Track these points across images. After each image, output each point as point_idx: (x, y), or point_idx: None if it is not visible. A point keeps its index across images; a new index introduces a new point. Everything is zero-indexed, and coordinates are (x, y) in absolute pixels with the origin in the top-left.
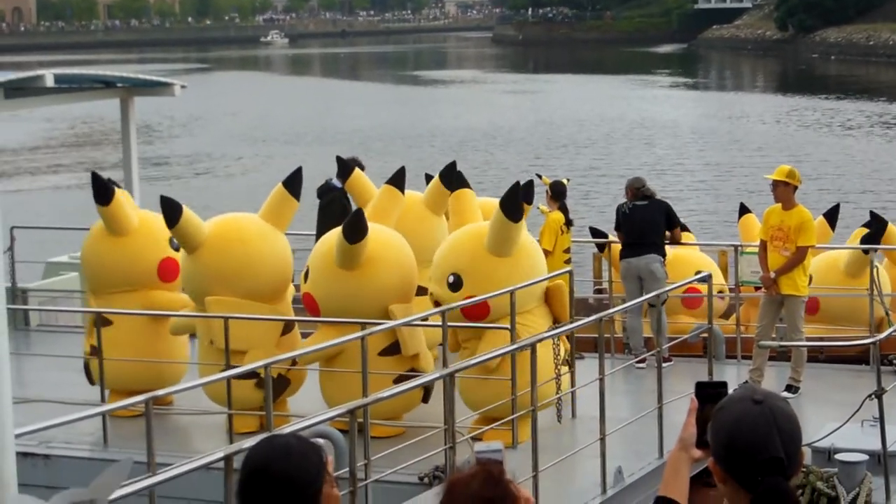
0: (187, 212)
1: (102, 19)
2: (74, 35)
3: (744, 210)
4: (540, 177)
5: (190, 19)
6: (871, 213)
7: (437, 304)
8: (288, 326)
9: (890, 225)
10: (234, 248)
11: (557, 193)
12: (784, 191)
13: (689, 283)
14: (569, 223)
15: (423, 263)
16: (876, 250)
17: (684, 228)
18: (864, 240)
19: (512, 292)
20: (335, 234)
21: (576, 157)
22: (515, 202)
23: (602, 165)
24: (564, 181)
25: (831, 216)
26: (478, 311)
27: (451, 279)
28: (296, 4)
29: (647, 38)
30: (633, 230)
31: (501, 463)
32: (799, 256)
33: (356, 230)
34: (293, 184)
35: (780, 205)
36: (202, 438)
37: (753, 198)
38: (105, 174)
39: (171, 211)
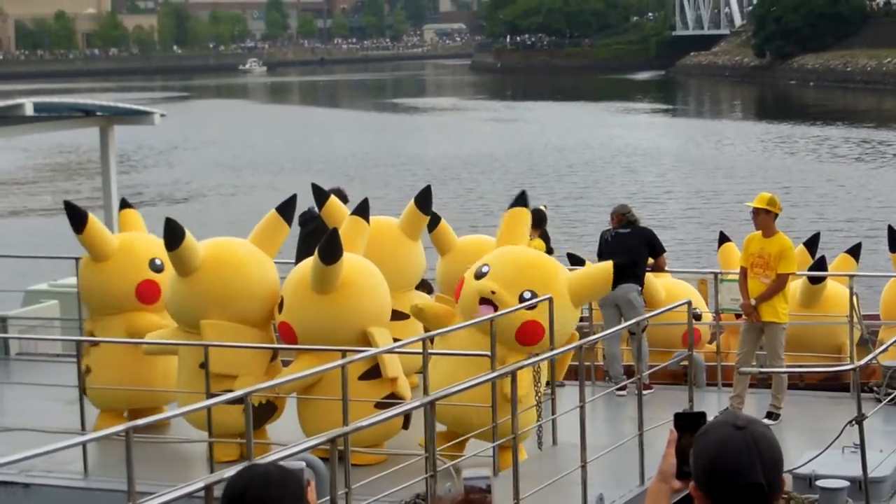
0: (189, 236)
1: (81, 48)
2: (53, 64)
3: (723, 239)
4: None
5: (177, 48)
6: (890, 227)
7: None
8: (275, 352)
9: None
10: (229, 271)
11: (538, 220)
12: (765, 218)
13: (669, 310)
14: (549, 251)
15: (401, 288)
16: (852, 276)
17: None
18: (814, 267)
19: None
20: (309, 261)
21: (557, 185)
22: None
23: (584, 193)
24: (543, 208)
25: (811, 244)
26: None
27: (528, 295)
28: (274, 32)
29: (625, 65)
30: (613, 258)
31: (488, 490)
32: (779, 284)
33: (332, 251)
34: (286, 210)
35: (760, 232)
36: (184, 466)
37: (733, 225)
38: (84, 203)
39: (174, 234)
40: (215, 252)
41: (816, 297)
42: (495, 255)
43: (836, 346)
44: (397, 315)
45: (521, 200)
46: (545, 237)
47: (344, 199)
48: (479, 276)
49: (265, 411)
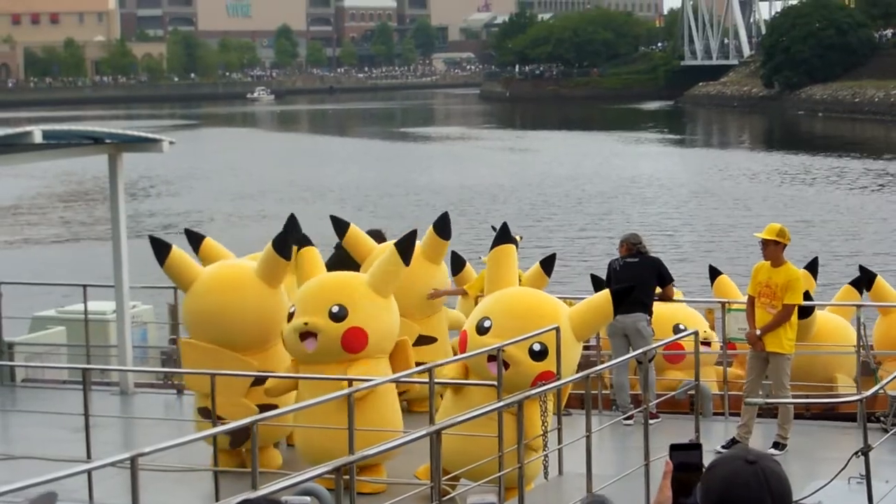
0: (175, 252)
1: (90, 75)
2: (62, 91)
3: (715, 273)
4: (494, 229)
5: (190, 76)
6: (861, 266)
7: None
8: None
9: (879, 277)
10: (211, 295)
11: None
12: (774, 249)
13: (675, 339)
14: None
15: (426, 312)
16: (860, 307)
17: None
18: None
19: (500, 349)
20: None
21: (570, 215)
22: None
23: (597, 223)
24: (518, 238)
25: (812, 269)
26: None
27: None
28: (284, 61)
29: (634, 94)
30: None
31: None
32: (785, 314)
33: (411, 251)
34: (282, 244)
35: (769, 262)
36: (188, 496)
37: (742, 254)
38: (92, 230)
39: (159, 250)
40: (209, 274)
41: (807, 330)
42: (494, 305)
43: (830, 376)
44: (424, 339)
45: (504, 236)
46: None
47: (383, 239)
48: (482, 330)
49: (243, 434)
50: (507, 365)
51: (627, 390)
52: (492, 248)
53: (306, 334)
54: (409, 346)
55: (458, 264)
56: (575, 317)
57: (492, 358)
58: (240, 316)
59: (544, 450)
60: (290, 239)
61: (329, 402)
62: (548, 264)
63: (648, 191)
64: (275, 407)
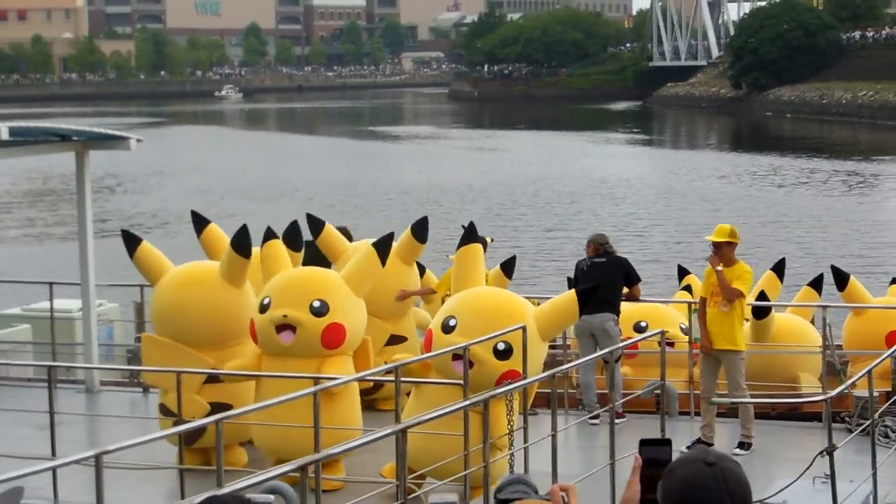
0: (144, 246)
1: (58, 73)
2: (29, 88)
3: (683, 272)
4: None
5: (158, 73)
6: (833, 267)
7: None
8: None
9: (852, 278)
10: (173, 291)
11: None
12: (727, 250)
13: (641, 339)
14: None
15: (399, 312)
16: (824, 307)
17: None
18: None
19: (466, 348)
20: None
21: (539, 216)
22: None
23: (566, 224)
24: (489, 239)
25: (779, 270)
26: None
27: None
28: (252, 59)
29: (603, 95)
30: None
31: None
32: (732, 292)
33: (388, 251)
34: (240, 244)
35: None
36: (153, 494)
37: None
38: (58, 228)
39: (129, 243)
40: (176, 271)
41: (765, 330)
42: (460, 304)
43: (793, 376)
44: (396, 339)
45: (471, 235)
46: None
47: (349, 237)
48: (447, 329)
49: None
50: (471, 364)
51: (594, 390)
52: (458, 247)
53: (283, 326)
54: (369, 344)
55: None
56: (540, 316)
57: (457, 357)
58: (199, 313)
59: (510, 448)
60: (247, 238)
61: (291, 399)
62: (508, 267)
63: (618, 191)
64: (228, 405)
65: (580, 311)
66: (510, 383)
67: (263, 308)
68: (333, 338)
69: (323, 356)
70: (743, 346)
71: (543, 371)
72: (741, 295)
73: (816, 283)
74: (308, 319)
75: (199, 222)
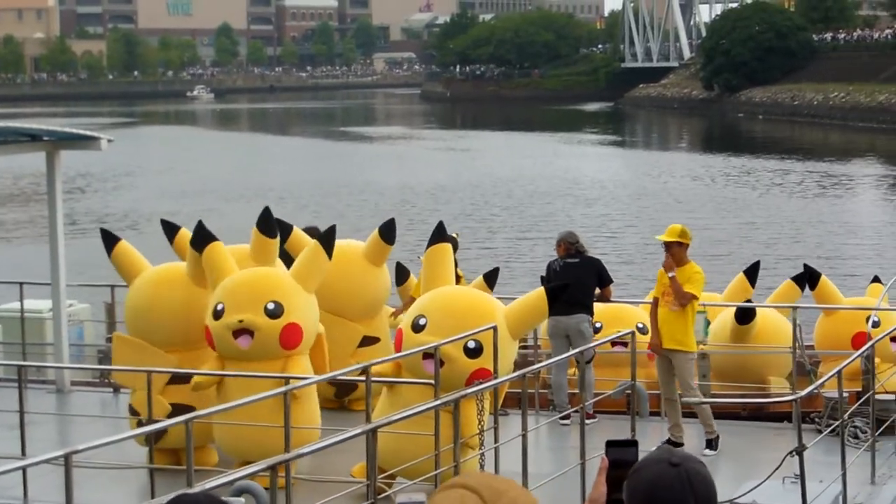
0: (122, 245)
1: (29, 72)
2: (0, 88)
3: None
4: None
5: (132, 73)
6: (805, 265)
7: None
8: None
9: (823, 277)
10: (144, 291)
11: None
12: (678, 250)
13: (612, 339)
14: (457, 279)
15: (369, 313)
16: (796, 307)
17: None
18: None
19: (436, 348)
20: (260, 269)
21: (512, 216)
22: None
23: (539, 225)
24: (455, 235)
25: (751, 273)
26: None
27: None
28: (224, 59)
29: (575, 96)
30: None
31: None
32: (684, 296)
33: (333, 245)
34: (197, 240)
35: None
36: (123, 494)
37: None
38: (29, 228)
39: (107, 242)
40: (154, 270)
41: (746, 335)
42: (430, 303)
43: (764, 377)
44: (368, 340)
45: (439, 235)
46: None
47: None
48: (417, 328)
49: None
50: (442, 362)
51: (566, 390)
52: (427, 247)
53: (240, 331)
54: (323, 341)
55: (402, 275)
56: (510, 315)
57: (428, 355)
58: (165, 313)
59: (481, 448)
60: (205, 235)
61: (261, 399)
62: (491, 278)
63: (591, 192)
64: (191, 407)
65: (549, 309)
66: (481, 383)
67: (217, 314)
68: (291, 338)
69: (283, 357)
70: (693, 348)
71: (514, 371)
72: (694, 298)
73: (800, 279)
74: (265, 322)
75: (171, 230)
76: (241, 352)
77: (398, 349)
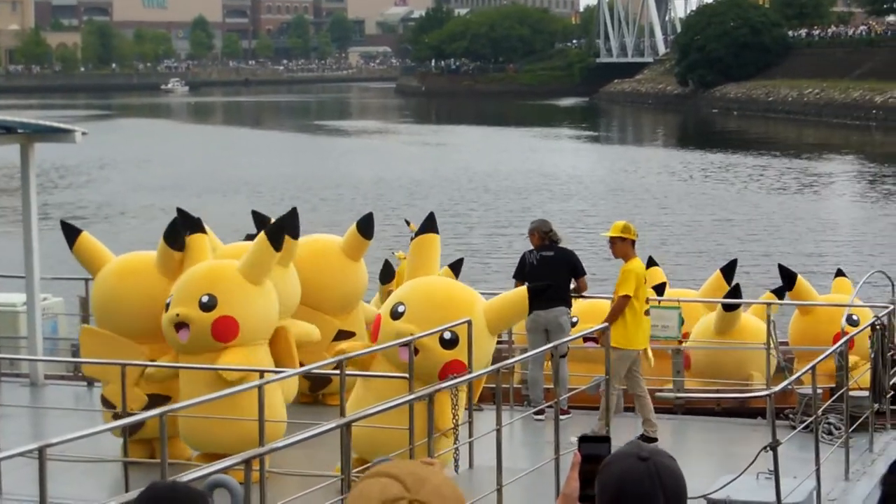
0: (84, 237)
1: (3, 64)
2: None
3: (650, 262)
4: (408, 223)
5: (109, 66)
6: (780, 266)
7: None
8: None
9: (799, 277)
10: (111, 282)
11: None
12: (621, 246)
13: (588, 333)
14: None
15: (346, 308)
16: (770, 304)
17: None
18: (729, 294)
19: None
20: (229, 262)
21: (488, 211)
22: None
23: (516, 220)
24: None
25: (728, 271)
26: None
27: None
28: (199, 52)
29: (550, 91)
30: (541, 282)
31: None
32: (617, 305)
33: (281, 238)
34: (171, 236)
35: (621, 260)
36: (96, 487)
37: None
38: (2, 221)
39: (69, 234)
40: (118, 261)
41: (731, 324)
42: (410, 292)
43: (746, 374)
44: (344, 334)
45: (429, 225)
46: None
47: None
48: (395, 315)
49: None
50: (416, 351)
51: (541, 385)
52: (415, 236)
53: (180, 325)
54: (287, 334)
55: (388, 274)
56: (490, 311)
57: (404, 343)
58: (133, 304)
59: (455, 443)
60: (180, 229)
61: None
62: (456, 268)
63: (567, 187)
64: (167, 397)
65: (530, 308)
66: (457, 376)
67: (167, 307)
68: (224, 331)
69: (217, 350)
70: (627, 345)
71: (490, 365)
72: (624, 298)
73: (779, 292)
74: (197, 315)
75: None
76: (182, 345)
77: (375, 335)
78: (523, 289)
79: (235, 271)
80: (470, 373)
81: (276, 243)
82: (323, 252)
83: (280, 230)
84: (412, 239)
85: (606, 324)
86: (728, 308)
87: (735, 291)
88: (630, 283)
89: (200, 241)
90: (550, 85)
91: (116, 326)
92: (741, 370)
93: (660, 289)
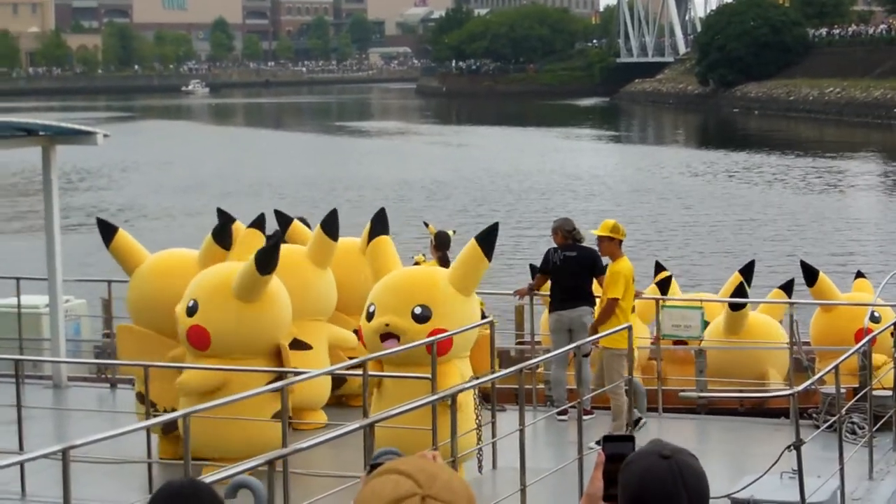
0: (121, 235)
1: (24, 67)
2: None
3: (659, 268)
4: (427, 225)
5: (132, 68)
6: (802, 262)
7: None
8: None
9: (821, 274)
10: (150, 280)
11: (441, 244)
12: (609, 245)
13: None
14: None
15: (304, 317)
16: (793, 304)
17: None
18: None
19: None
20: (224, 266)
21: (510, 211)
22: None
23: (539, 220)
24: (451, 232)
25: (747, 272)
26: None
27: (419, 311)
28: (219, 54)
29: (570, 91)
30: (565, 281)
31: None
32: (606, 308)
33: (270, 261)
34: (221, 236)
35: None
36: (121, 488)
37: (684, 251)
38: (25, 223)
39: (104, 232)
40: (154, 257)
41: (740, 323)
42: (375, 290)
43: (760, 373)
44: (298, 344)
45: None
46: (444, 260)
47: (308, 227)
48: (369, 316)
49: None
50: (398, 338)
51: (565, 385)
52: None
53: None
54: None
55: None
56: (453, 275)
57: (385, 336)
58: (173, 301)
59: (479, 443)
60: (228, 228)
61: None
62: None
63: (589, 187)
64: None
65: (486, 255)
66: (479, 376)
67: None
68: (197, 340)
69: (194, 356)
70: (623, 345)
71: (510, 364)
72: (614, 301)
73: (787, 287)
74: (183, 320)
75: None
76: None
77: (363, 344)
78: (472, 242)
79: (221, 280)
80: (493, 370)
81: (263, 269)
82: (343, 253)
83: (271, 254)
84: (432, 242)
85: (629, 324)
86: (734, 308)
87: (740, 290)
88: (619, 285)
89: (255, 236)
90: (571, 85)
91: (153, 324)
92: (755, 369)
93: (664, 284)
